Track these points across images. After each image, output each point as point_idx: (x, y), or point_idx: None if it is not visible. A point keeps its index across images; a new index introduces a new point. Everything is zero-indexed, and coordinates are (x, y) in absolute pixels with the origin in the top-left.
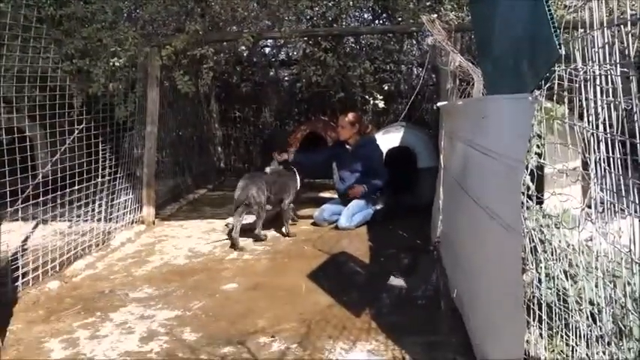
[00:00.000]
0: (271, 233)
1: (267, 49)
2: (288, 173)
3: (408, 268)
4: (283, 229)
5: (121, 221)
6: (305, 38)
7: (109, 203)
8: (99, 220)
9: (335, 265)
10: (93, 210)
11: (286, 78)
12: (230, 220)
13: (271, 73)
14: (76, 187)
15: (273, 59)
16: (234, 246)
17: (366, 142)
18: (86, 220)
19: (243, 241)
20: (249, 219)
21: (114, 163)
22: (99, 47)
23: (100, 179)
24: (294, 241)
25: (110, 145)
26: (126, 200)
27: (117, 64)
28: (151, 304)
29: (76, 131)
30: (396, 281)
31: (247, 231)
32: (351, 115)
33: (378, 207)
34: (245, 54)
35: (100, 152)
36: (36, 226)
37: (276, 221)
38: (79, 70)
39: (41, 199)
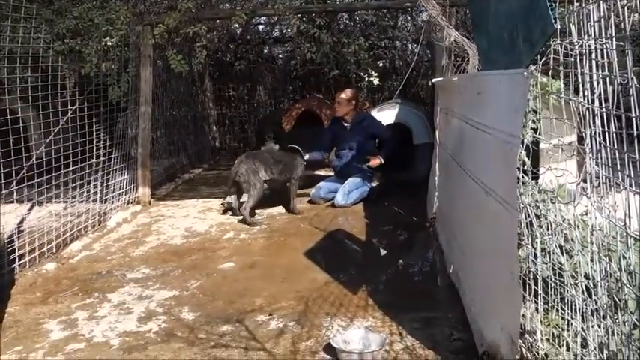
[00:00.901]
0: (267, 211)
1: (260, 27)
2: (292, 153)
3: (405, 244)
4: (290, 206)
5: (116, 202)
6: (299, 15)
7: (105, 184)
8: (94, 201)
9: (331, 243)
10: (88, 191)
11: (280, 56)
12: (227, 199)
13: (265, 51)
14: (71, 169)
15: (267, 37)
16: (234, 213)
17: (365, 117)
18: (82, 202)
19: (241, 225)
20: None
21: (108, 144)
22: (90, 27)
23: (94, 160)
24: (290, 219)
25: (104, 125)
26: (121, 181)
27: (109, 43)
28: (149, 284)
29: (70, 112)
30: (394, 258)
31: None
32: (349, 92)
33: (374, 184)
34: (238, 32)
35: (94, 133)
36: (31, 208)
37: (274, 200)
38: (71, 50)
39: (36, 180)
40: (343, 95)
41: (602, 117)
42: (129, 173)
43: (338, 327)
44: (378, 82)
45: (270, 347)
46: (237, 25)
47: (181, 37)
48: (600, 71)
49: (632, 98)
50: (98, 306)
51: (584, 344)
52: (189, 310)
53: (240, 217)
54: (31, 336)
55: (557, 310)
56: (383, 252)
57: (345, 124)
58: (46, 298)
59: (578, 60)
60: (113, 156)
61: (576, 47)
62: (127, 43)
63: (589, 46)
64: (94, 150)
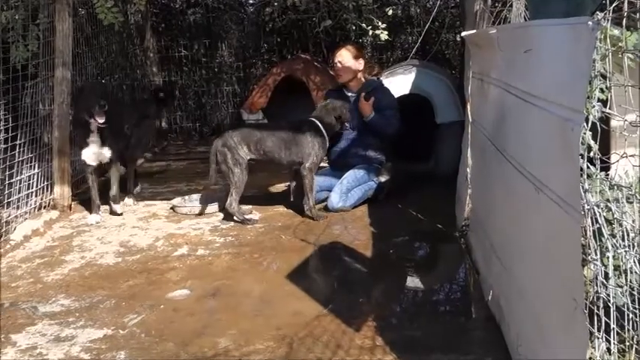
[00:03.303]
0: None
1: None
2: (298, 127)
3: (426, 262)
4: (305, 207)
5: (23, 206)
6: None
7: (5, 181)
8: None
9: (324, 261)
10: None
11: (251, 1)
12: (176, 201)
13: None
14: None
15: None
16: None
17: (375, 86)
18: None
19: (197, 230)
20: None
21: (11, 125)
22: None
23: None
24: (266, 229)
25: (5, 99)
26: (30, 177)
27: None
28: (70, 320)
29: None
30: (412, 282)
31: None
32: (352, 47)
33: (383, 179)
34: None
35: None
36: None
37: (242, 200)
38: None
39: None
40: (344, 52)
41: None
42: (40, 166)
43: None
44: (386, 37)
45: None
46: None
47: None
48: None
49: None
50: None
51: None
52: (127, 357)
53: (198, 227)
54: None
55: (638, 351)
56: (411, 281)
57: (350, 94)
58: None
59: None
60: (18, 142)
61: None
62: None
63: None
64: None
